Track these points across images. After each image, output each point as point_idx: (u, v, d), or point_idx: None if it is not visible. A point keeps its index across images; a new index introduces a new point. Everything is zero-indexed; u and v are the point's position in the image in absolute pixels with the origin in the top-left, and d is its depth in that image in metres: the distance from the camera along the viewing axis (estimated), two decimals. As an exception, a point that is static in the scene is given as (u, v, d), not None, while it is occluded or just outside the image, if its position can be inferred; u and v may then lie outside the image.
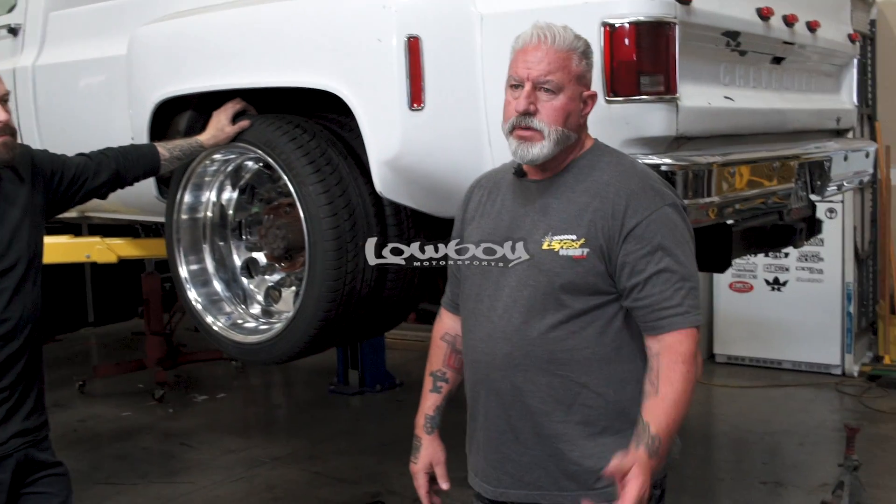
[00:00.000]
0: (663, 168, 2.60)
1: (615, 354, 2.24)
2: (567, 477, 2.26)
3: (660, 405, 2.12)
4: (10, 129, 2.69)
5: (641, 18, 2.56)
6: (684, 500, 5.08)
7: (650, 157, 2.62)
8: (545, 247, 2.22)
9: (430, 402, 2.56)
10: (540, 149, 2.20)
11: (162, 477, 5.67)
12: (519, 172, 2.32)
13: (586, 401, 2.24)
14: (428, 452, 2.52)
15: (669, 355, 2.16)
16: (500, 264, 2.29)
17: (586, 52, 2.25)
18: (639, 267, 2.16)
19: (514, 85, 2.23)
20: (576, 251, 2.19)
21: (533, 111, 2.19)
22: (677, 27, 2.61)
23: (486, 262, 2.32)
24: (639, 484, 2.02)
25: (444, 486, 2.51)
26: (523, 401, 2.27)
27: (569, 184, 2.25)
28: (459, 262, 2.42)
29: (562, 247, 2.20)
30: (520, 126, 2.21)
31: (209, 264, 3.58)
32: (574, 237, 2.19)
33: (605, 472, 2.06)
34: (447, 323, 2.57)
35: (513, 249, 2.27)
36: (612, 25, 2.56)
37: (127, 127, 3.61)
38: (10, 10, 4.50)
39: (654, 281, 2.15)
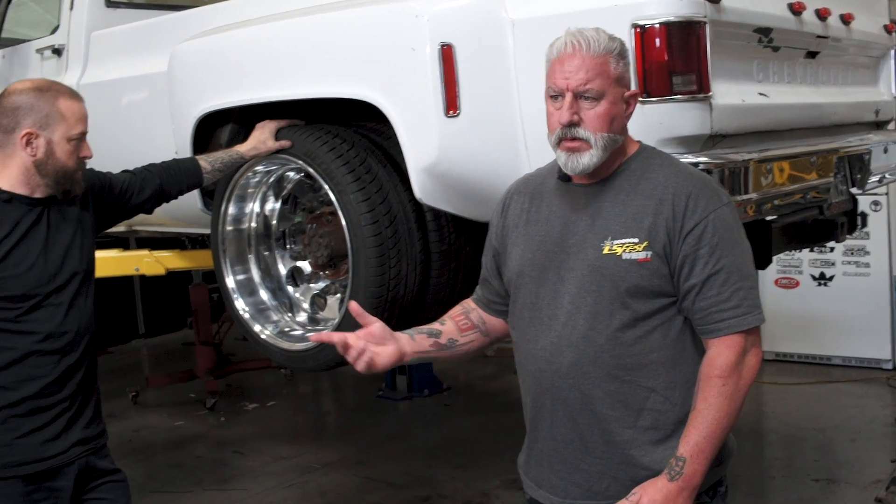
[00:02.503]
0: (700, 167, 2.60)
1: (680, 357, 2.22)
2: (637, 484, 2.20)
3: (693, 423, 2.14)
4: (85, 164, 2.78)
5: (672, 19, 2.57)
6: (736, 498, 5.03)
7: (686, 156, 2.62)
8: (606, 251, 2.18)
9: (422, 331, 2.44)
10: (589, 158, 2.16)
11: (215, 484, 5.74)
12: (564, 177, 2.29)
13: (655, 405, 2.21)
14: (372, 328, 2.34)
15: (707, 368, 2.16)
16: (557, 271, 2.26)
17: (622, 53, 2.20)
18: (697, 268, 2.14)
19: (554, 96, 2.19)
20: (639, 254, 2.15)
21: (577, 121, 2.15)
22: (708, 26, 2.62)
23: (541, 271, 2.29)
24: None
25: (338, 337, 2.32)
26: (592, 408, 2.23)
27: (623, 187, 2.22)
28: (513, 273, 2.36)
29: (624, 250, 2.16)
30: (566, 138, 2.17)
31: (255, 274, 3.64)
32: (636, 240, 2.16)
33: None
34: (471, 303, 2.55)
35: (567, 256, 2.24)
36: (642, 27, 2.57)
37: (169, 141, 3.69)
38: (54, 31, 4.61)
39: (712, 282, 2.13)
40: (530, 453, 2.42)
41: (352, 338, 2.30)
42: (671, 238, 2.15)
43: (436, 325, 2.48)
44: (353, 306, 2.36)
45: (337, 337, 2.31)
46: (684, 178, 2.21)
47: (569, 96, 2.15)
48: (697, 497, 2.20)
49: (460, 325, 2.49)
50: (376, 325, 2.34)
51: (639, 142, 2.31)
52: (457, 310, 2.54)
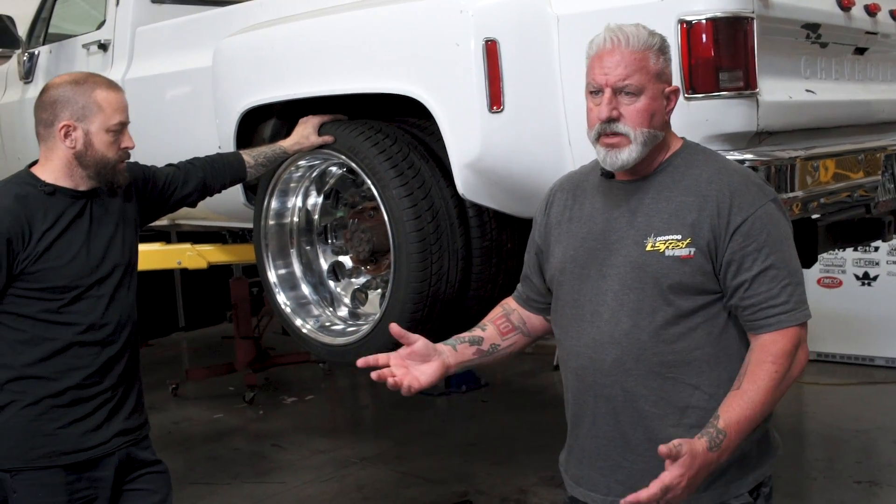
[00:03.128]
0: (746, 164, 2.58)
1: (724, 354, 2.20)
2: None
3: (736, 400, 2.10)
4: (128, 155, 2.81)
5: (719, 14, 2.55)
6: (776, 499, 5.00)
7: (732, 153, 2.60)
8: (649, 248, 2.17)
9: (464, 339, 2.44)
10: (628, 153, 2.16)
11: (253, 477, 5.78)
12: (607, 174, 2.28)
13: (699, 403, 2.19)
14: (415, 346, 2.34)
15: (759, 353, 2.13)
16: (599, 267, 2.25)
17: (663, 48, 2.19)
18: (745, 264, 2.12)
19: (594, 92, 2.18)
20: (682, 251, 2.14)
21: (616, 116, 2.15)
22: (755, 21, 2.60)
23: (583, 268, 2.29)
24: (677, 473, 1.98)
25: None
26: (635, 406, 2.22)
27: (665, 184, 2.21)
28: (555, 270, 2.37)
29: (667, 247, 2.15)
30: (605, 133, 2.17)
31: (297, 268, 3.66)
32: (679, 237, 2.15)
33: (659, 450, 2.00)
34: (512, 302, 2.54)
35: (609, 253, 2.24)
36: (689, 22, 2.55)
37: (212, 136, 3.71)
38: (100, 26, 4.66)
39: (761, 279, 2.12)
40: (571, 451, 2.42)
41: (394, 360, 2.31)
42: (716, 235, 2.13)
43: (477, 332, 2.47)
44: (395, 329, 2.34)
45: (383, 359, 2.31)
46: (729, 174, 2.19)
47: (608, 92, 2.15)
48: (739, 496, 2.21)
49: (501, 328, 2.49)
50: (419, 343, 2.33)
51: (682, 138, 2.30)
52: (497, 312, 2.54)
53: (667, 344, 2.18)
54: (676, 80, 2.48)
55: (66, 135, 2.69)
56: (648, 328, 2.18)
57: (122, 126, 2.75)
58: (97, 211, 2.79)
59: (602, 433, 2.29)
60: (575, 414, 2.36)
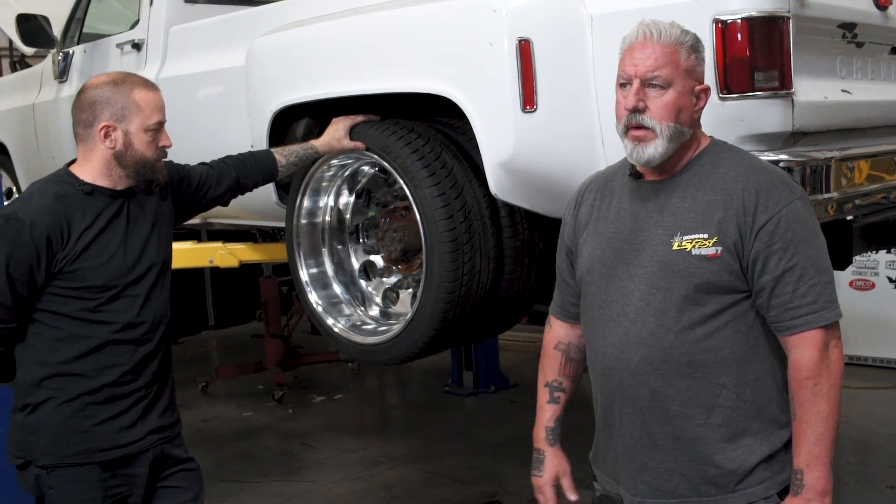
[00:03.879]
0: (780, 164, 2.56)
1: (752, 353, 2.20)
2: (707, 482, 2.22)
3: (797, 433, 2.15)
4: (166, 154, 2.83)
5: (754, 14, 2.52)
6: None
7: (766, 153, 2.58)
8: (676, 247, 2.18)
9: (549, 414, 2.55)
10: (654, 148, 2.16)
11: (283, 475, 5.81)
12: (635, 174, 2.29)
13: (726, 402, 2.19)
14: (553, 464, 2.52)
15: (794, 373, 2.15)
16: (626, 267, 2.26)
17: (695, 46, 2.20)
18: (771, 263, 2.12)
19: (623, 84, 2.20)
20: (709, 250, 2.14)
21: (642, 108, 2.16)
22: (791, 21, 2.58)
23: (610, 268, 2.30)
24: None
25: (573, 497, 2.51)
26: (662, 406, 2.23)
27: (692, 182, 2.21)
28: (583, 270, 2.38)
29: (694, 246, 2.16)
30: (632, 125, 2.18)
31: (328, 267, 3.67)
32: (706, 236, 2.15)
33: None
34: (558, 332, 2.56)
35: (637, 253, 2.24)
36: (724, 22, 2.53)
37: (244, 135, 3.73)
38: (133, 26, 4.69)
39: (787, 278, 2.12)
40: (598, 450, 2.44)
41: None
42: (742, 233, 2.13)
43: (559, 394, 2.56)
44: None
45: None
46: (755, 172, 2.19)
47: (636, 83, 2.16)
48: (768, 497, 2.21)
49: (570, 374, 2.57)
50: (562, 465, 2.54)
51: (711, 137, 2.30)
52: (558, 358, 2.57)
53: (693, 343, 2.18)
54: (711, 79, 2.49)
55: (106, 135, 2.71)
56: (675, 328, 2.18)
57: (160, 125, 2.77)
58: (134, 210, 2.81)
59: (629, 433, 2.30)
60: (603, 415, 2.38)
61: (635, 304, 2.23)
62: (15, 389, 2.81)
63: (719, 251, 2.14)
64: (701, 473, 2.22)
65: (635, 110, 2.16)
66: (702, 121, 2.29)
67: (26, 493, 2.83)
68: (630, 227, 2.27)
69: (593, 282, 2.34)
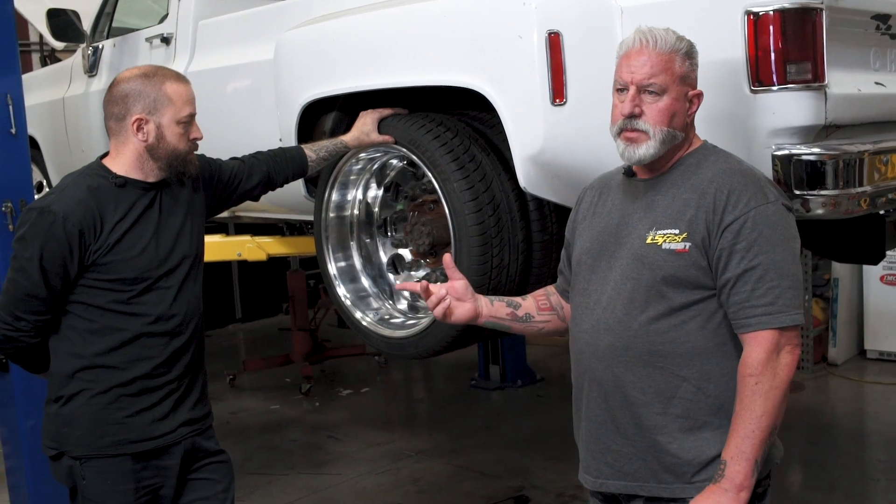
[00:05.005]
0: (812, 158, 2.54)
1: (717, 350, 2.27)
2: (665, 469, 2.30)
3: (731, 426, 2.20)
4: (197, 146, 2.84)
5: (786, 5, 2.49)
6: (837, 500, 4.94)
7: (798, 146, 2.56)
8: (649, 241, 2.28)
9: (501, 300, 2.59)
10: (646, 149, 2.27)
11: (310, 468, 5.84)
12: (629, 172, 2.40)
13: (686, 394, 2.27)
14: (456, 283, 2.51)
15: (740, 368, 2.20)
16: (608, 260, 2.36)
17: (689, 53, 2.29)
18: (733, 262, 2.19)
19: (620, 89, 2.30)
20: (678, 245, 2.24)
21: (638, 113, 2.26)
22: (824, 12, 2.55)
23: (595, 259, 2.41)
24: None
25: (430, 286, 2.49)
26: (623, 391, 2.32)
27: (675, 181, 2.31)
28: (574, 262, 2.51)
29: (665, 241, 2.25)
30: (626, 129, 2.28)
31: (356, 261, 3.67)
32: (676, 231, 2.25)
33: None
34: (552, 288, 2.69)
35: (618, 246, 2.34)
36: (756, 14, 2.50)
37: (273, 129, 3.74)
38: (162, 20, 4.71)
39: (747, 277, 2.18)
40: (577, 434, 2.53)
41: (434, 287, 2.49)
42: (710, 231, 2.21)
43: (517, 298, 2.63)
44: (447, 258, 2.54)
45: (420, 286, 2.50)
46: (731, 174, 2.27)
47: (632, 89, 2.26)
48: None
49: (539, 304, 2.63)
50: (460, 283, 2.51)
51: (703, 140, 2.38)
52: (539, 291, 2.69)
53: (657, 334, 2.27)
54: (742, 71, 2.49)
55: (139, 128, 2.72)
56: (639, 317, 2.28)
57: (192, 117, 2.78)
58: (166, 202, 2.82)
59: (594, 416, 2.40)
60: (576, 398, 2.50)
61: (609, 292, 2.35)
62: (49, 381, 2.84)
63: (687, 247, 2.23)
64: (659, 460, 2.31)
65: (631, 116, 2.27)
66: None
67: (59, 483, 2.86)
68: (618, 222, 2.38)
69: (580, 272, 2.46)
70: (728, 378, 2.26)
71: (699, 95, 2.32)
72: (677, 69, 2.26)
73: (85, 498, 2.77)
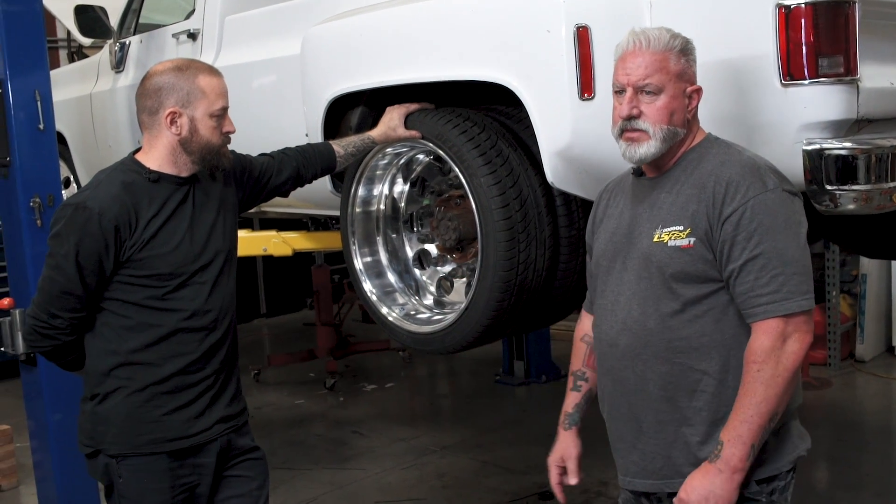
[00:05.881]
0: (843, 153, 2.51)
1: (733, 341, 2.29)
2: (691, 464, 2.31)
3: (733, 409, 2.22)
4: (229, 139, 2.84)
5: (819, -2, 2.48)
6: (866, 499, 4.90)
7: (829, 141, 2.54)
8: (656, 239, 2.32)
9: (570, 401, 2.70)
10: (647, 148, 2.31)
11: (334, 463, 5.85)
12: (637, 172, 2.45)
13: (707, 388, 2.30)
14: (561, 447, 2.69)
15: (746, 355, 2.22)
16: (623, 261, 2.41)
17: (685, 50, 2.32)
18: (735, 253, 2.22)
19: (618, 91, 2.34)
20: (683, 241, 2.28)
21: (637, 114, 2.30)
22: (857, 5, 2.52)
23: (611, 261, 2.46)
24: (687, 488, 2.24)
25: (572, 480, 2.67)
26: (645, 389, 2.37)
27: (678, 177, 2.35)
28: (593, 265, 2.57)
29: (670, 238, 2.30)
30: (627, 129, 2.33)
31: (383, 256, 3.67)
32: (681, 227, 2.29)
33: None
34: (586, 324, 2.68)
35: (630, 246, 2.39)
36: (787, 7, 2.48)
37: (299, 123, 3.73)
38: (189, 16, 4.73)
39: (750, 267, 2.20)
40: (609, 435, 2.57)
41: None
42: (711, 224, 2.25)
43: (581, 383, 2.69)
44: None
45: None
46: (730, 165, 2.29)
47: (630, 91, 2.31)
48: (747, 485, 2.27)
49: (593, 365, 2.64)
50: (571, 462, 2.69)
51: (707, 133, 2.40)
52: (584, 350, 2.70)
53: (674, 331, 2.31)
54: (773, 65, 2.47)
55: (172, 122, 2.71)
56: (655, 315, 2.33)
57: (224, 111, 2.78)
58: (200, 197, 2.82)
59: (619, 415, 2.46)
60: (601, 398, 2.56)
61: (625, 293, 2.40)
62: (84, 379, 2.83)
63: (692, 242, 2.27)
64: (683, 455, 2.34)
65: (630, 117, 2.31)
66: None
67: (87, 476, 2.87)
68: (628, 223, 2.43)
69: (599, 275, 2.51)
70: None
71: (698, 91, 2.35)
72: (672, 67, 2.29)
73: (121, 496, 2.77)
